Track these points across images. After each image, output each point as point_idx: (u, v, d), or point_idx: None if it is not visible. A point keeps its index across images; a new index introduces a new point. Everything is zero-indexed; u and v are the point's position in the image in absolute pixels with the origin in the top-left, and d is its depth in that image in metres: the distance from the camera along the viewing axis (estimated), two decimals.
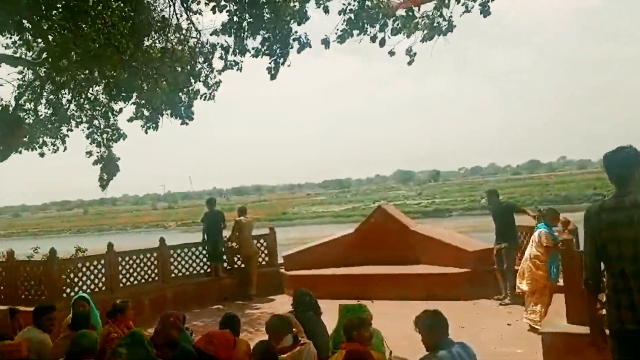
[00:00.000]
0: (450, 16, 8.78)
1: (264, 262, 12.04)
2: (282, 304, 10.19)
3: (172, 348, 4.97)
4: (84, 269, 9.97)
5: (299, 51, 9.38)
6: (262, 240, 12.15)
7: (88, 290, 9.50)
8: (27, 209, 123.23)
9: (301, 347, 4.53)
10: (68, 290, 9.68)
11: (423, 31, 8.74)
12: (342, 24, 8.89)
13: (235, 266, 11.92)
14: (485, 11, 8.62)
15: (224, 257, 11.82)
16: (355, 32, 8.88)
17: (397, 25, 8.83)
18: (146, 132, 11.82)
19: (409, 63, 9.13)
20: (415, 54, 9.03)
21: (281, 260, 12.16)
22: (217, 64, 10.70)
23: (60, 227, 71.98)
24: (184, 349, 4.37)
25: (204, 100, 11.10)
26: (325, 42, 8.92)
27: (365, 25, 8.87)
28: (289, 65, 9.56)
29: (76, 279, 9.85)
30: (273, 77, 9.57)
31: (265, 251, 12.15)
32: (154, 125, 11.73)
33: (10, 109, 11.13)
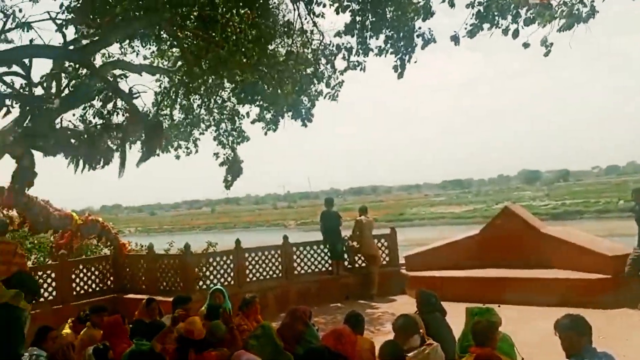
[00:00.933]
0: (593, 0, 8.03)
1: (384, 262, 11.98)
2: (403, 304, 10.08)
3: (298, 341, 5.12)
4: (214, 263, 10.57)
5: (423, 47, 9.19)
6: (382, 240, 12.10)
7: (218, 284, 10.05)
8: (161, 207, 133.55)
9: (429, 347, 4.43)
10: (200, 282, 10.32)
11: (560, 20, 8.06)
12: (471, 18, 8.49)
13: (356, 265, 11.98)
14: None
15: (345, 255, 11.93)
16: (486, 25, 8.45)
17: (531, 15, 8.24)
18: (265, 134, 12.30)
19: (546, 54, 8.43)
20: (552, 44, 8.35)
21: (402, 260, 12.04)
22: (339, 63, 10.85)
23: (191, 225, 76.95)
24: (315, 348, 4.45)
25: (329, 99, 11.28)
26: (455, 39, 8.57)
27: (497, 17, 8.42)
28: (415, 62, 9.42)
29: (207, 272, 10.48)
30: (400, 75, 9.44)
31: (386, 251, 12.08)
32: (274, 127, 12.15)
33: (151, 114, 12.12)
